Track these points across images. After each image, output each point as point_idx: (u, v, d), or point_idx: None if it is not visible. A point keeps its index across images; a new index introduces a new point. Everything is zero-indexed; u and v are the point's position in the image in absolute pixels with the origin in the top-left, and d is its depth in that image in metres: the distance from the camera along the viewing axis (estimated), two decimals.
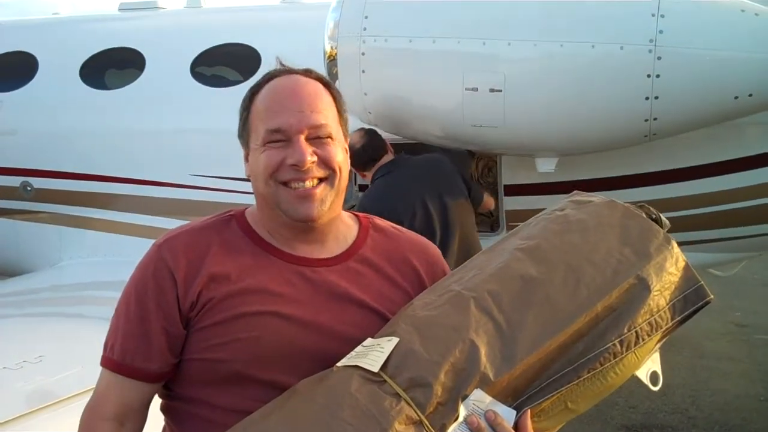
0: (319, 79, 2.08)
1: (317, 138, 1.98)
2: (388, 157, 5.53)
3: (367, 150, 5.51)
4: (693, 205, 5.97)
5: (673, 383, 6.94)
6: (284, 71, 2.07)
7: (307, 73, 2.07)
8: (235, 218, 2.10)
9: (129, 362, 1.96)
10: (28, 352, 4.31)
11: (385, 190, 5.37)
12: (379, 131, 5.60)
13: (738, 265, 7.16)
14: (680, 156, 5.91)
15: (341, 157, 2.03)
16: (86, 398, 2.04)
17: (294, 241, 2.04)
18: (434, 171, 5.49)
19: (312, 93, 2.02)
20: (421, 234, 5.00)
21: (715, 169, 5.92)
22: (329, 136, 2.00)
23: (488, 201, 5.87)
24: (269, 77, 2.07)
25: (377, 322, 1.97)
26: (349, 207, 5.43)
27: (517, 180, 6.24)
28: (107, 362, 2.00)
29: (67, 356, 4.38)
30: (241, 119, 2.09)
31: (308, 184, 1.97)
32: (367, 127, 5.65)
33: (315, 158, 1.96)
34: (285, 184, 1.97)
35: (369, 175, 5.56)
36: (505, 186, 6.27)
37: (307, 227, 2.02)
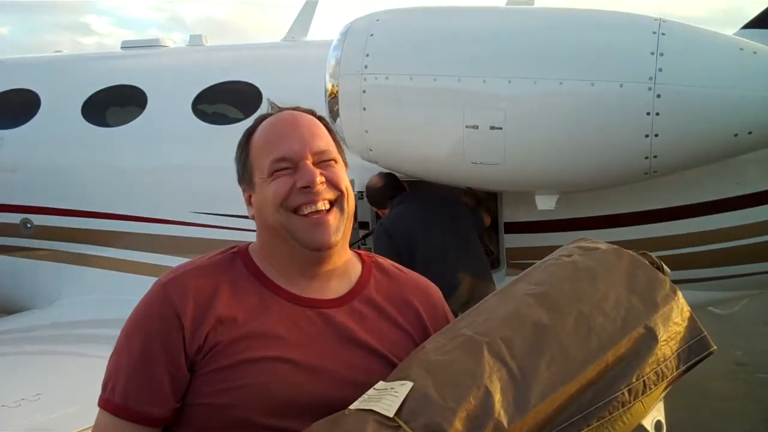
0: (312, 113, 2.10)
1: (322, 162, 1.99)
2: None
3: (387, 189, 5.83)
4: (693, 243, 5.97)
5: (674, 423, 6.87)
6: (276, 111, 2.09)
7: (298, 108, 2.10)
8: (239, 255, 2.06)
9: (131, 405, 1.88)
10: (26, 389, 4.28)
11: (402, 215, 5.64)
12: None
13: (738, 304, 7.14)
14: (680, 193, 5.92)
15: (347, 181, 2.03)
16: None
17: (300, 279, 2.01)
18: (447, 202, 5.82)
19: (308, 121, 2.04)
20: (434, 256, 5.18)
21: (715, 207, 5.94)
22: (333, 159, 2.01)
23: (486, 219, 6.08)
24: (261, 118, 2.08)
25: (382, 366, 1.95)
26: (350, 244, 5.51)
27: (518, 217, 6.24)
28: (107, 404, 1.91)
29: (65, 394, 4.36)
30: (239, 163, 2.07)
31: (320, 206, 1.96)
32: (384, 171, 5.90)
33: (323, 179, 1.96)
34: (296, 211, 1.96)
35: (387, 212, 5.83)
36: (505, 223, 6.27)
37: (318, 259, 1.99)
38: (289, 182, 1.95)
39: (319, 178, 1.95)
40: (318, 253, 1.98)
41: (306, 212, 1.96)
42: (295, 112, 2.06)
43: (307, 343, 1.93)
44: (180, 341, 1.88)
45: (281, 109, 2.08)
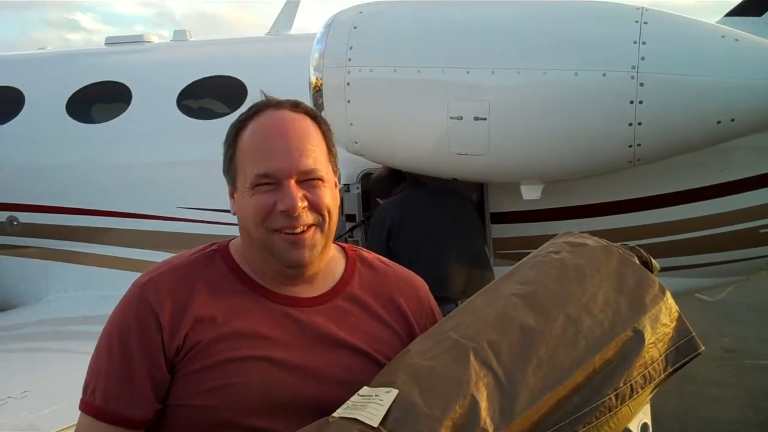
0: (308, 113, 2.00)
1: (308, 180, 1.92)
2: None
3: (390, 178, 5.93)
4: (679, 231, 5.99)
5: (663, 410, 6.91)
6: (271, 104, 1.98)
7: (295, 107, 1.99)
8: (219, 253, 2.02)
9: (112, 408, 1.86)
10: (13, 387, 4.27)
11: (397, 201, 5.75)
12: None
13: (725, 290, 7.17)
14: (665, 181, 5.94)
15: (330, 199, 1.96)
16: None
17: (280, 281, 1.98)
18: (448, 192, 5.86)
19: (300, 132, 1.94)
20: (426, 245, 5.24)
21: (700, 194, 5.95)
22: (319, 179, 1.93)
23: None
24: (255, 111, 1.98)
25: (367, 364, 1.93)
26: (336, 238, 5.56)
27: (503, 208, 6.25)
28: (88, 407, 1.89)
29: (52, 391, 4.34)
30: (226, 156, 2.00)
31: (299, 230, 1.91)
32: None
33: (305, 203, 1.90)
34: (276, 230, 1.91)
35: None
36: (491, 214, 6.27)
37: (294, 272, 1.96)
38: (271, 200, 1.90)
39: (301, 203, 1.89)
40: (293, 269, 1.95)
41: (284, 232, 1.91)
42: (287, 116, 1.96)
43: (288, 342, 1.91)
44: (159, 342, 1.86)
45: (277, 104, 1.99)
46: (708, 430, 7.27)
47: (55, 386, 4.48)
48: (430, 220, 5.57)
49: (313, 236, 1.93)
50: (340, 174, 5.79)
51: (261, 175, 1.90)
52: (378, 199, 6.08)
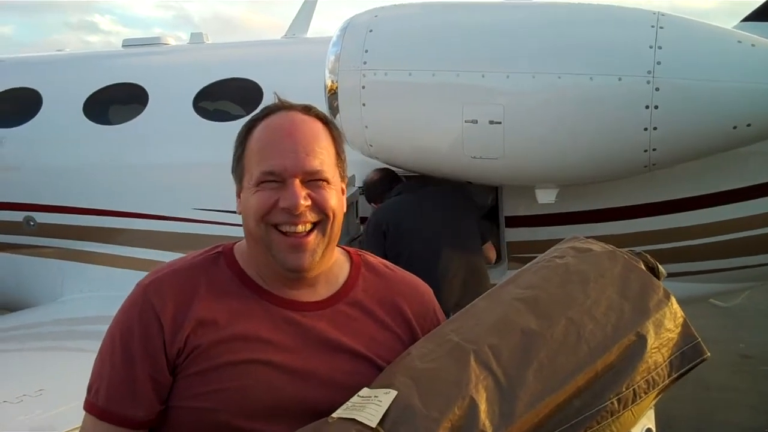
0: (319, 117, 2.00)
1: (313, 181, 1.91)
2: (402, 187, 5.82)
3: (384, 183, 5.85)
4: (694, 236, 5.96)
5: (678, 416, 6.88)
6: (283, 107, 1.98)
7: (307, 110, 1.99)
8: (224, 255, 2.03)
9: (114, 409, 1.89)
10: (28, 386, 4.30)
11: (395, 205, 5.64)
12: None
13: (740, 296, 7.14)
14: (681, 186, 5.92)
15: (335, 202, 1.95)
16: None
17: (284, 284, 1.98)
18: (447, 195, 5.74)
19: (309, 134, 1.94)
20: (424, 250, 5.14)
21: (716, 199, 5.93)
22: (325, 180, 1.93)
23: (489, 251, 5.85)
24: (267, 112, 1.98)
25: (369, 369, 1.93)
26: (349, 240, 5.59)
27: (518, 211, 6.25)
28: (91, 408, 1.92)
29: (67, 390, 4.35)
30: (235, 155, 2.00)
31: (300, 228, 1.90)
32: (382, 166, 5.93)
33: (309, 202, 1.90)
34: (276, 227, 1.91)
35: None
36: (506, 217, 6.27)
37: (295, 277, 1.96)
38: (273, 197, 1.89)
39: (304, 202, 1.88)
40: (294, 273, 1.95)
41: (285, 231, 1.91)
42: (297, 117, 1.96)
43: (290, 346, 1.91)
44: (160, 344, 1.87)
45: (289, 107, 1.98)
46: None
47: (69, 385, 4.48)
48: (425, 227, 5.48)
49: (315, 240, 1.92)
50: (354, 177, 5.82)
51: (266, 172, 1.90)
52: (374, 205, 6.02)
